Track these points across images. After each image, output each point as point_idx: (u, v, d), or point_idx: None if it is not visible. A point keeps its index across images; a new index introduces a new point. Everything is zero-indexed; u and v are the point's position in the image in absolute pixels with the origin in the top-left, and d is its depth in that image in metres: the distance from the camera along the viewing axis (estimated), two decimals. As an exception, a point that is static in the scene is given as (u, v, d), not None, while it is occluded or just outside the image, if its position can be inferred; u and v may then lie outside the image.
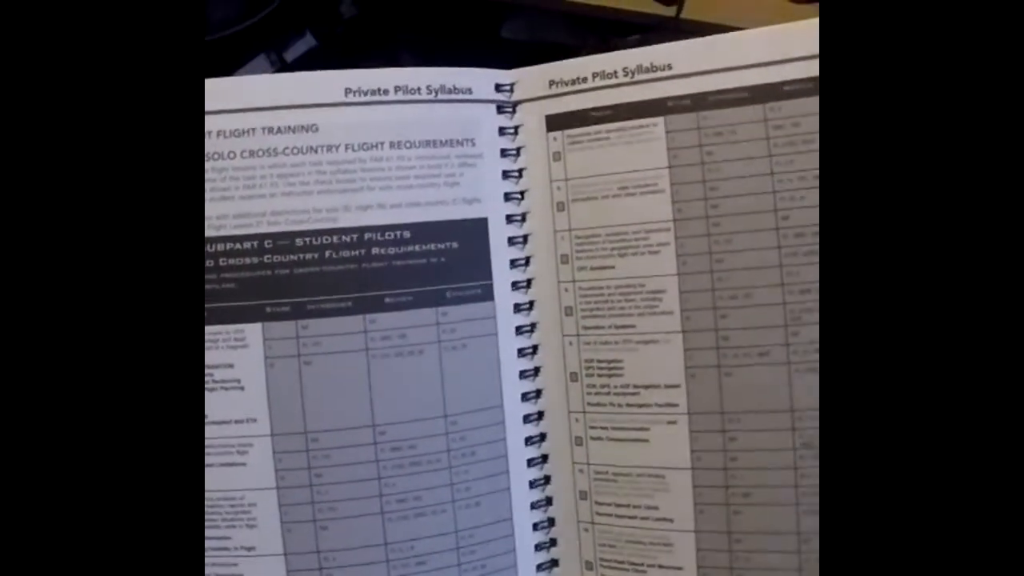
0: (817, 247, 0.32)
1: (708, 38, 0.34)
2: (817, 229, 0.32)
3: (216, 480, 0.33)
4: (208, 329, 0.33)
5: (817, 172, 0.32)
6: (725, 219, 0.33)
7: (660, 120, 0.34)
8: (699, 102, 0.33)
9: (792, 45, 0.32)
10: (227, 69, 0.44)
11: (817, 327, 0.32)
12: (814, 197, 0.32)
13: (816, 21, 0.31)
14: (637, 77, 0.34)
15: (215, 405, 0.33)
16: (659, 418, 0.34)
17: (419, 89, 0.35)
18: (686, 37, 0.33)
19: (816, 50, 0.31)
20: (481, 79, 0.36)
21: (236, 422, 0.33)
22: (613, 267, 0.34)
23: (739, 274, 0.33)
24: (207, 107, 0.33)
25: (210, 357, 0.33)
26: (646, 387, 0.34)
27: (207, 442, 0.33)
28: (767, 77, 0.32)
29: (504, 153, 0.36)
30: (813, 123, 0.32)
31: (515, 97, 0.36)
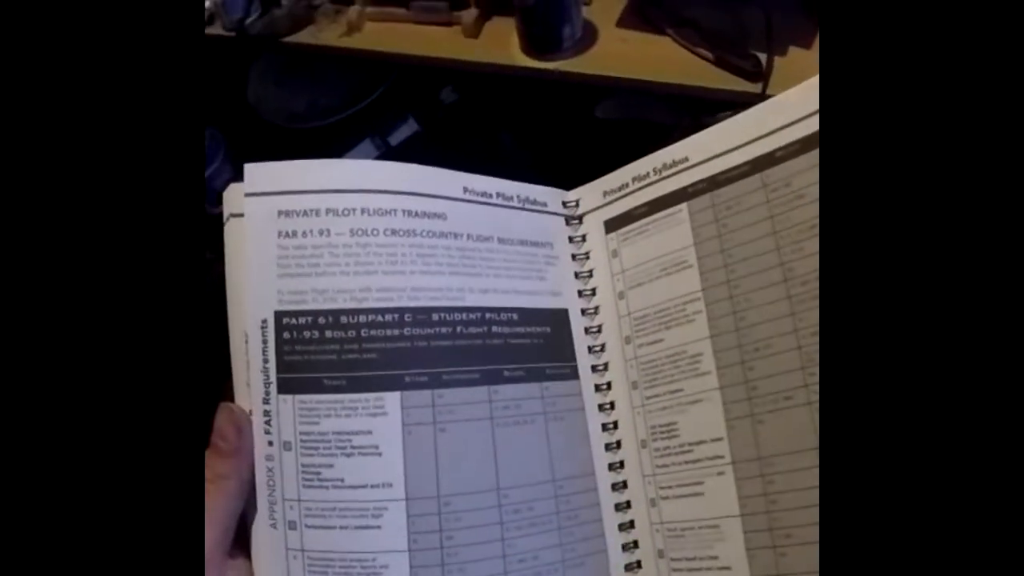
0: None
1: (713, 127, 0.40)
2: (818, 275, 0.36)
3: (350, 543, 0.33)
4: (349, 397, 0.34)
5: (812, 223, 0.36)
6: (743, 280, 0.38)
7: (684, 205, 0.40)
8: (712, 183, 0.39)
9: (778, 117, 0.37)
10: (335, 153, 0.44)
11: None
12: (813, 246, 0.36)
13: (792, 93, 0.37)
14: (664, 173, 0.41)
15: (352, 470, 0.34)
16: (709, 471, 0.38)
17: (513, 197, 0.41)
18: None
19: (796, 117, 0.37)
20: (551, 196, 0.42)
21: (372, 487, 0.34)
22: (662, 340, 0.40)
23: (759, 328, 0.37)
24: (355, 185, 0.36)
25: (349, 424, 0.34)
26: (697, 443, 0.39)
27: (343, 506, 0.33)
28: (762, 148, 0.38)
29: (574, 257, 0.42)
30: (801, 180, 0.37)
31: (580, 211, 0.43)
